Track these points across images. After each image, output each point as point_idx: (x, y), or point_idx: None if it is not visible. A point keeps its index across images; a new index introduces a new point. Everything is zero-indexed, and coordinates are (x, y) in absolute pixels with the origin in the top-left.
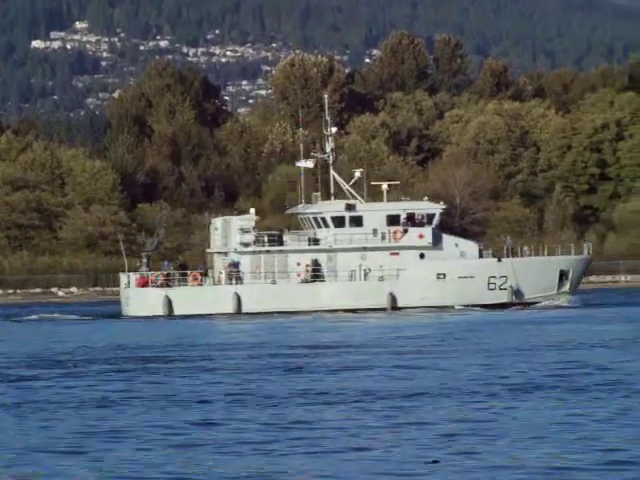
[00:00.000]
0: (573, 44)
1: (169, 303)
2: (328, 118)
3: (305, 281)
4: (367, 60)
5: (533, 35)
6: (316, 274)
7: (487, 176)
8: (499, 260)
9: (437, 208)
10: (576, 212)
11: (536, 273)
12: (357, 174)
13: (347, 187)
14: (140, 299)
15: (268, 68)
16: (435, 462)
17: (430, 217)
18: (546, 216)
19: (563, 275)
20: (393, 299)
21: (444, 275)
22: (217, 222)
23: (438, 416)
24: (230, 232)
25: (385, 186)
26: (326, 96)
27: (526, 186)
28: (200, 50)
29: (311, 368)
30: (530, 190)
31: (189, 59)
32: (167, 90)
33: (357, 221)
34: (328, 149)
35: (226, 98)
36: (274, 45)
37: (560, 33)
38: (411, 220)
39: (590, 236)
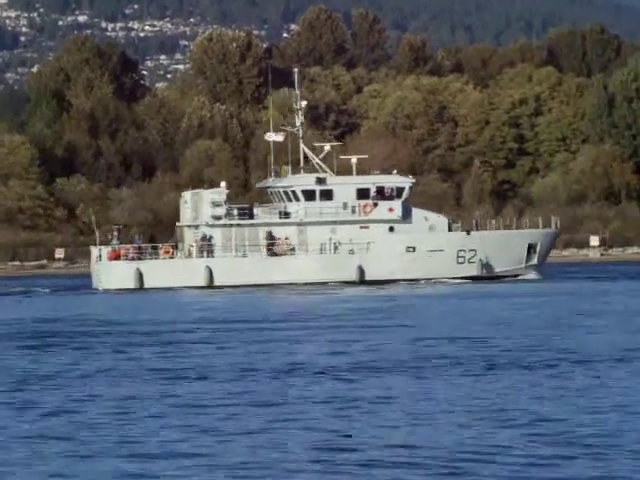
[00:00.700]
0: (492, 19)
1: (140, 276)
2: (297, 92)
3: (275, 254)
4: (285, 35)
5: (452, 9)
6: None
7: (405, 151)
8: (468, 233)
9: (407, 182)
10: (494, 187)
11: (505, 247)
12: (327, 148)
13: (317, 160)
14: (112, 272)
15: (186, 43)
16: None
17: (400, 191)
18: (464, 191)
19: (531, 248)
20: (362, 272)
21: (413, 248)
22: (187, 195)
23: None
24: (201, 205)
25: (354, 160)
26: (296, 70)
27: (444, 161)
28: (119, 25)
29: (180, 344)
30: (448, 165)
31: (108, 34)
32: (85, 64)
33: (327, 195)
34: (298, 123)
35: (144, 73)
36: (192, 20)
37: (479, 7)
38: (380, 194)
39: (508, 211)
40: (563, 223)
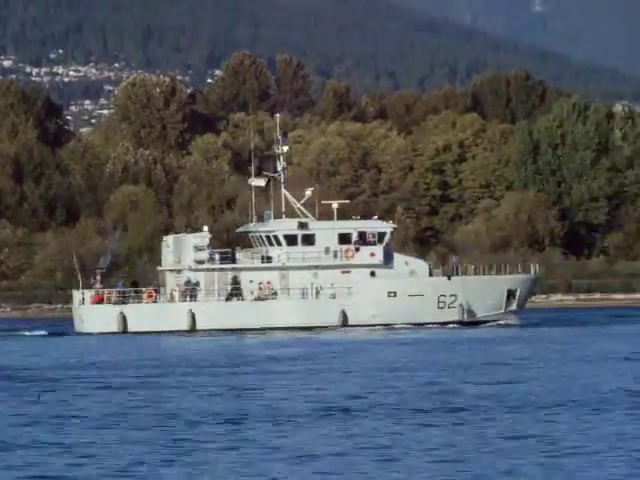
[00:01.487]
0: (416, 65)
1: (124, 320)
2: (280, 137)
3: (258, 299)
4: (209, 80)
5: (375, 55)
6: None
7: (329, 197)
8: (449, 278)
9: (388, 227)
10: (417, 233)
11: (485, 292)
12: (308, 193)
13: (298, 205)
14: (95, 316)
15: (111, 88)
16: None
17: (381, 236)
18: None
19: (510, 294)
20: (344, 316)
21: (395, 293)
22: (169, 240)
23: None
24: (183, 250)
25: (335, 205)
26: (278, 116)
27: (368, 207)
28: (43, 70)
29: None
30: (371, 211)
31: (33, 78)
32: (10, 109)
33: (309, 239)
34: (279, 167)
35: (69, 117)
36: (117, 65)
37: (403, 54)
38: (362, 239)
39: (432, 257)
40: (486, 270)
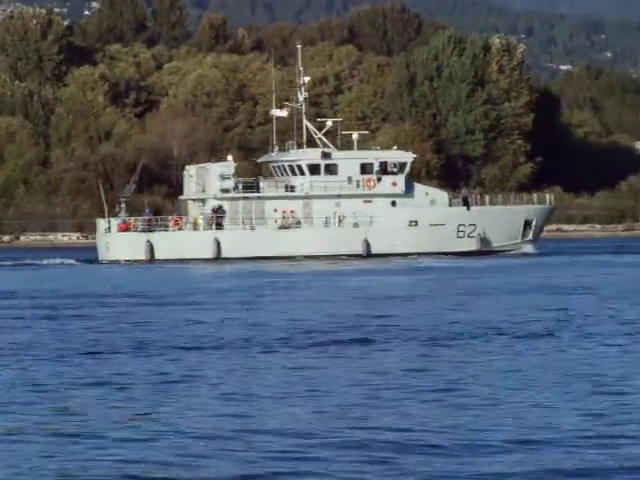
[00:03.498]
0: None
1: (151, 248)
2: (301, 68)
3: (282, 227)
4: (86, 12)
5: None
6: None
7: (205, 129)
8: (468, 209)
9: (409, 157)
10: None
11: (502, 222)
12: (329, 123)
13: (320, 135)
14: (122, 244)
15: None
16: None
17: (402, 166)
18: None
19: (527, 224)
20: (368, 245)
21: (416, 222)
22: (191, 169)
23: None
24: (208, 179)
25: (355, 135)
26: (299, 46)
27: (243, 139)
28: None
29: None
30: (247, 143)
31: None
32: None
33: (332, 169)
34: (301, 98)
35: None
36: None
37: None
38: (383, 169)
39: None
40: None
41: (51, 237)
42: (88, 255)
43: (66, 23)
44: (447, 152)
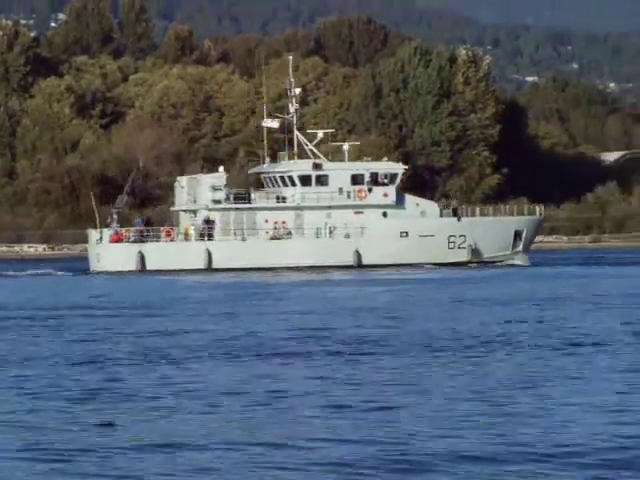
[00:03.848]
0: (258, 9)
1: (142, 259)
2: (292, 80)
3: (273, 238)
4: (53, 24)
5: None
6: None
7: (171, 140)
8: (459, 219)
9: (399, 168)
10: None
11: (493, 233)
12: (320, 135)
13: (311, 147)
14: (113, 255)
15: None
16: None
17: (393, 177)
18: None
19: (517, 235)
20: (359, 256)
21: (407, 233)
22: (183, 180)
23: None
24: (199, 190)
25: (346, 146)
26: (290, 57)
27: (210, 150)
28: None
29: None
30: (213, 154)
31: None
32: None
33: (323, 180)
34: (292, 110)
35: None
36: None
37: None
38: (374, 180)
39: None
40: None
41: (17, 249)
42: (67, 266)
43: (33, 35)
44: (413, 163)
